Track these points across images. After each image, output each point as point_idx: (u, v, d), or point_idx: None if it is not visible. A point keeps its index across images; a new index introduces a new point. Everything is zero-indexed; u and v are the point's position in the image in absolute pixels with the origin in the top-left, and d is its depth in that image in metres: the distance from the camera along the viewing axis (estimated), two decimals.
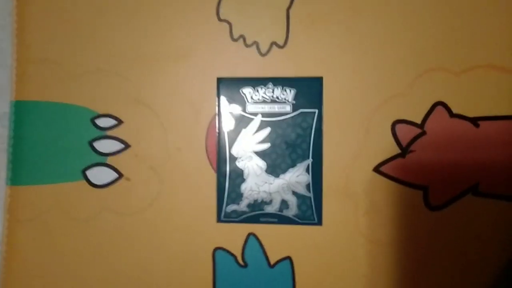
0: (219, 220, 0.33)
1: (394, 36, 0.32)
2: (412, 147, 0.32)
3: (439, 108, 0.31)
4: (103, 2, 0.35)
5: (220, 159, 0.33)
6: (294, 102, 0.33)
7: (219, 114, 0.33)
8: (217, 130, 0.33)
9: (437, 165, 0.31)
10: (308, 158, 0.32)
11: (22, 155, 0.35)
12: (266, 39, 0.33)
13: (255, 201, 0.33)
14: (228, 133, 0.33)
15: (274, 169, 0.33)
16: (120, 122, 0.34)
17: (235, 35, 0.33)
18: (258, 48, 0.33)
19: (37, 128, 0.35)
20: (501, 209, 0.31)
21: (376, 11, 0.32)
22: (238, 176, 0.33)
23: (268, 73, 0.33)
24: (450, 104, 0.31)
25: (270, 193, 0.33)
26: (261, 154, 0.33)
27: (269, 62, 0.33)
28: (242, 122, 0.33)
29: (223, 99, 0.33)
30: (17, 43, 0.35)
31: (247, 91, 0.33)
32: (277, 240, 0.33)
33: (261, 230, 0.33)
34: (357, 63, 0.32)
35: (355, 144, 0.32)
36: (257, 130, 0.33)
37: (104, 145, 0.34)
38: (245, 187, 0.33)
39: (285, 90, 0.33)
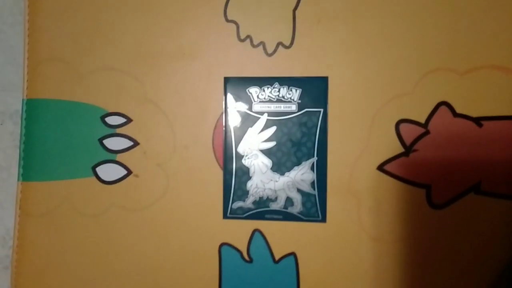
0: (225, 216, 0.34)
1: (399, 36, 0.32)
2: (415, 146, 0.32)
3: (443, 108, 0.32)
4: (113, 1, 0.35)
5: (226, 157, 0.34)
6: (299, 101, 0.33)
7: (225, 112, 0.34)
8: (223, 129, 0.34)
9: (440, 164, 0.32)
10: (313, 156, 0.33)
11: (33, 152, 0.36)
12: (272, 39, 0.34)
13: (261, 198, 0.33)
14: (234, 131, 0.34)
15: (279, 167, 0.33)
16: (129, 120, 0.35)
17: (242, 36, 0.34)
18: (264, 48, 0.34)
19: (48, 125, 0.35)
20: (503, 208, 0.31)
21: (381, 12, 0.32)
22: (244, 173, 0.33)
23: (274, 72, 0.33)
24: (453, 104, 0.32)
25: (275, 191, 0.33)
26: (267, 152, 0.33)
27: (275, 62, 0.33)
28: (248, 120, 0.34)
29: (229, 98, 0.34)
30: (29, 41, 0.36)
31: (253, 90, 0.33)
32: (282, 236, 0.33)
33: (266, 226, 0.33)
34: (362, 63, 0.33)
35: (360, 143, 0.32)
36: (263, 129, 0.33)
37: (113, 143, 0.35)
38: (251, 185, 0.33)
39: (291, 90, 0.33)
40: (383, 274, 0.32)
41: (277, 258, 0.33)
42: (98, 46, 0.35)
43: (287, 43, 0.33)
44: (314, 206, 0.33)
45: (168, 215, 0.34)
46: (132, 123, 0.35)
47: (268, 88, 0.33)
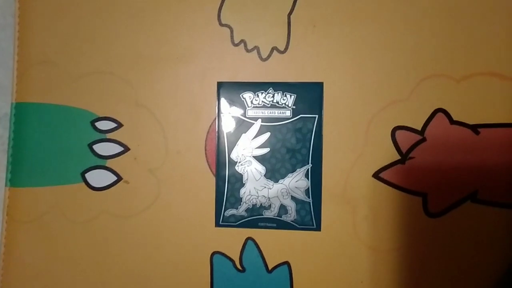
0: (217, 224, 0.33)
1: (395, 42, 0.32)
2: (412, 154, 0.32)
3: (440, 114, 0.31)
4: (105, 4, 0.35)
5: (219, 163, 0.33)
6: (294, 107, 0.32)
7: (219, 118, 0.33)
8: (216, 134, 0.33)
9: (436, 172, 0.31)
10: (308, 163, 0.32)
11: (22, 157, 0.35)
12: (267, 44, 0.33)
13: (254, 205, 0.33)
14: (227, 137, 0.33)
15: (273, 174, 0.33)
16: (120, 125, 0.34)
17: (236, 40, 0.33)
18: (258, 53, 0.33)
19: (37, 130, 0.35)
20: (501, 217, 0.31)
21: (377, 17, 0.32)
22: (237, 180, 0.33)
23: (268, 78, 0.33)
24: (450, 111, 0.31)
25: (269, 198, 0.33)
26: (260, 159, 0.33)
27: (269, 67, 0.33)
28: (242, 126, 0.33)
29: (223, 103, 0.33)
30: (19, 44, 0.35)
31: (247, 95, 0.33)
32: (275, 245, 0.33)
33: (260, 235, 0.33)
34: (358, 68, 0.32)
35: (355, 150, 0.32)
36: (257, 135, 0.33)
37: (103, 148, 0.34)
38: (244, 192, 0.33)
39: (286, 95, 0.33)
40: (379, 283, 0.32)
41: (270, 267, 0.33)
42: (89, 49, 0.35)
43: (282, 47, 0.33)
44: (309, 214, 0.32)
45: (159, 222, 0.34)
46: (123, 128, 0.34)
47: (262, 93, 0.33)
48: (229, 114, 0.33)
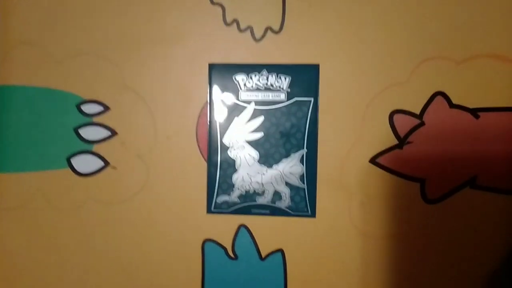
0: (209, 211, 0.32)
1: (393, 23, 0.31)
2: (410, 138, 0.31)
3: (439, 98, 0.30)
4: None
5: (211, 148, 0.32)
6: (289, 90, 0.31)
7: (210, 101, 0.32)
8: (208, 118, 0.32)
9: (435, 157, 0.31)
10: (303, 148, 0.31)
11: (5, 142, 0.34)
12: (260, 23, 0.32)
13: (247, 192, 0.32)
14: (219, 121, 0.32)
15: (267, 159, 0.32)
16: (106, 108, 0.33)
17: (228, 20, 0.32)
18: (252, 33, 0.32)
19: (20, 113, 0.33)
20: (500, 203, 0.30)
21: None
22: (230, 166, 0.32)
23: (262, 59, 0.32)
24: (450, 94, 0.30)
25: (262, 184, 0.32)
26: (254, 144, 0.32)
27: (263, 48, 0.32)
28: (234, 110, 0.32)
29: (215, 86, 0.32)
30: (0, 25, 0.34)
31: (240, 78, 0.32)
32: (269, 232, 0.32)
33: (253, 221, 0.32)
34: (355, 50, 0.31)
35: (351, 135, 0.31)
36: (250, 119, 0.32)
37: (90, 132, 0.33)
38: (236, 178, 0.32)
39: (280, 78, 0.31)
40: (374, 271, 0.31)
41: (263, 255, 0.32)
42: (75, 30, 0.33)
43: (276, 28, 0.32)
44: (303, 200, 0.31)
45: (148, 209, 0.33)
46: (110, 111, 0.33)
47: (255, 75, 0.32)
48: (221, 97, 0.32)
